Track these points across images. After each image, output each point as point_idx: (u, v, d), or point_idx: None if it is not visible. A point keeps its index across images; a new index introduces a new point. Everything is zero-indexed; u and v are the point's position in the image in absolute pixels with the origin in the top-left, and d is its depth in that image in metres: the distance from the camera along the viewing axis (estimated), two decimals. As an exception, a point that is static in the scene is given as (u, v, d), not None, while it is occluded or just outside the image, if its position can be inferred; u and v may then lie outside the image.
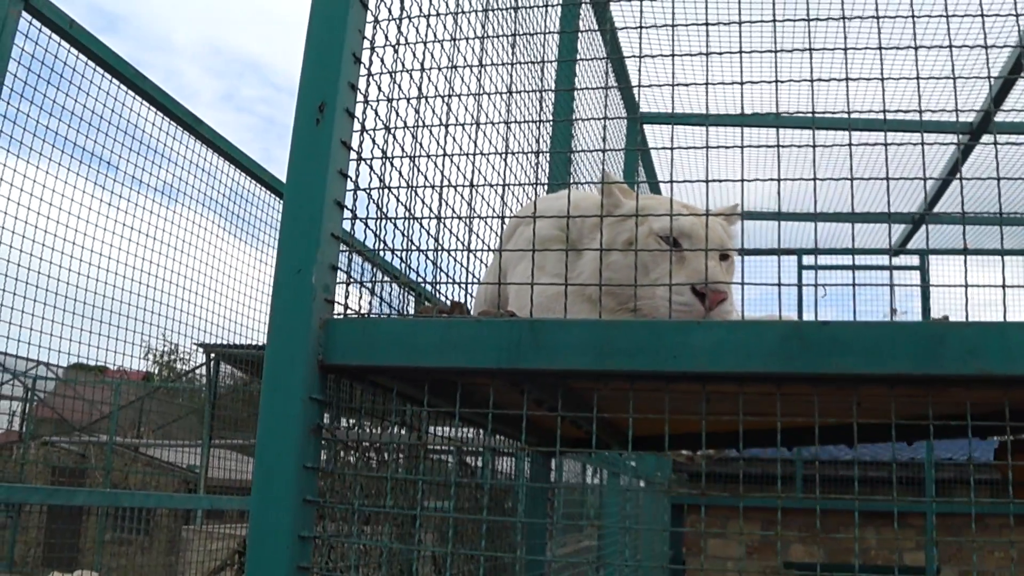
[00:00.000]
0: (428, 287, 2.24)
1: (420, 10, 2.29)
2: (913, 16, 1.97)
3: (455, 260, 2.22)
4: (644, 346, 1.77)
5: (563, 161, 4.13)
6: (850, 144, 1.98)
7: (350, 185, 2.07)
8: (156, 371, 19.66)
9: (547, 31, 2.29)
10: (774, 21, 2.00)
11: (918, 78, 1.92)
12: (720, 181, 1.90)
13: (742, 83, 1.95)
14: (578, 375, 1.83)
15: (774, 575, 10.67)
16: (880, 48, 1.98)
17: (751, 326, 1.77)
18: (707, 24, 2.04)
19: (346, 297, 2.02)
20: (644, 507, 8.70)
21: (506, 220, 2.65)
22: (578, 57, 4.30)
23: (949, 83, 1.95)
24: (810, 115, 2.23)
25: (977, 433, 2.91)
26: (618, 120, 5.87)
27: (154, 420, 14.15)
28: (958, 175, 6.60)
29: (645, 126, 6.73)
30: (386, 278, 2.18)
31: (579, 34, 4.36)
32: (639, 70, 3.46)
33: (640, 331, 1.78)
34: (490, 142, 2.29)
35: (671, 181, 1.96)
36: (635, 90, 6.19)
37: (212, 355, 9.31)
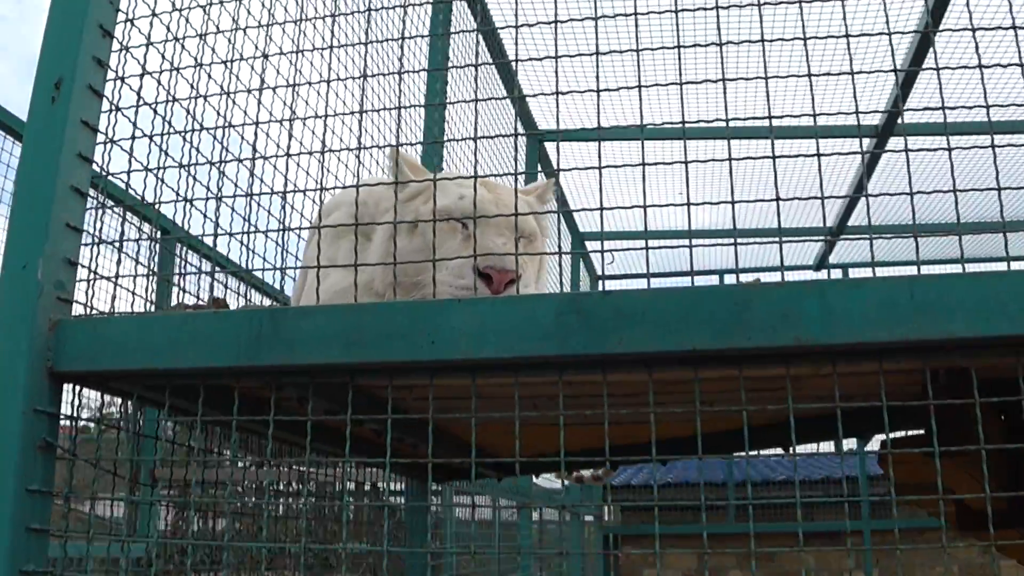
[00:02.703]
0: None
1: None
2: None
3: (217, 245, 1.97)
4: (398, 331, 1.53)
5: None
6: (728, 155, 1.78)
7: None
8: None
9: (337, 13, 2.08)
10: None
11: (809, 75, 1.70)
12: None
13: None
14: (327, 370, 1.59)
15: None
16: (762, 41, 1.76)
17: (521, 301, 1.54)
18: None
19: (89, 295, 1.78)
20: (572, 541, 8.42)
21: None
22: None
23: (849, 89, 1.71)
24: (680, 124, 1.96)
25: (808, 430, 2.67)
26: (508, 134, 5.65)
27: None
28: (863, 190, 6.46)
29: (547, 144, 6.52)
30: (141, 271, 1.92)
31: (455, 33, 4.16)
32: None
33: (394, 314, 1.55)
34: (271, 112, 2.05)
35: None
36: (532, 108, 6.00)
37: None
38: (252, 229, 2.04)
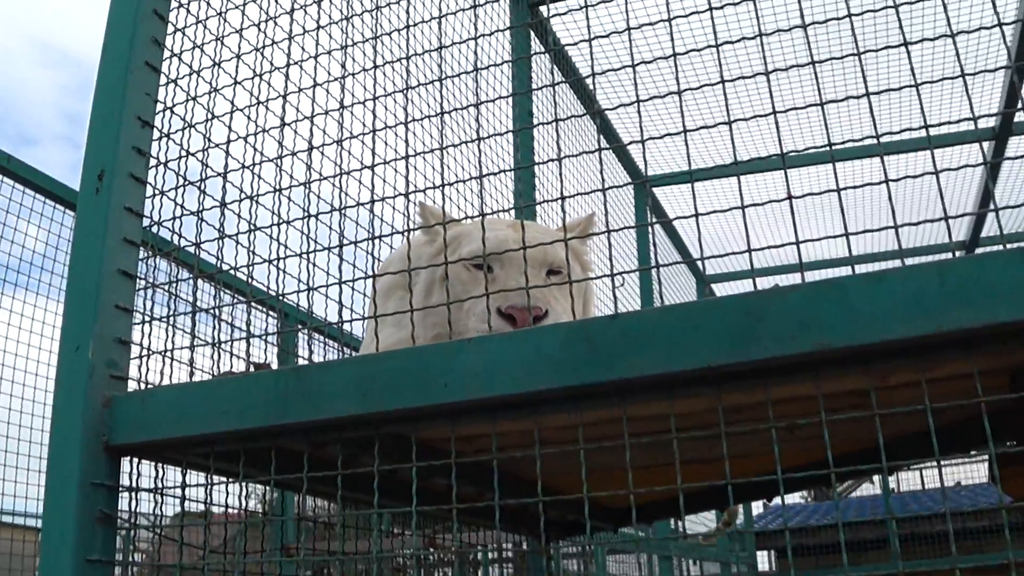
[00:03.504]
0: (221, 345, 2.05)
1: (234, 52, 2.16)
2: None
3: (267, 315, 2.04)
4: (410, 377, 1.54)
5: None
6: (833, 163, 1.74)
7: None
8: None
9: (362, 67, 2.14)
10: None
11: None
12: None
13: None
14: (351, 423, 1.60)
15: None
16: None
17: (528, 334, 1.52)
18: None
19: (143, 371, 1.88)
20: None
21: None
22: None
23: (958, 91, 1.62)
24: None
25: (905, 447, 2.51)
26: (615, 180, 5.66)
27: None
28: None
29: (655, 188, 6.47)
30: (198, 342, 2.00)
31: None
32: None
33: (407, 361, 1.56)
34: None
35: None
36: (633, 153, 5.99)
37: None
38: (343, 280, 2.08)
